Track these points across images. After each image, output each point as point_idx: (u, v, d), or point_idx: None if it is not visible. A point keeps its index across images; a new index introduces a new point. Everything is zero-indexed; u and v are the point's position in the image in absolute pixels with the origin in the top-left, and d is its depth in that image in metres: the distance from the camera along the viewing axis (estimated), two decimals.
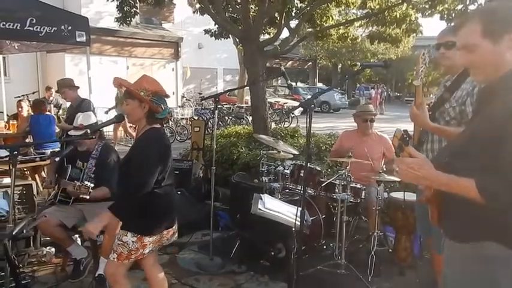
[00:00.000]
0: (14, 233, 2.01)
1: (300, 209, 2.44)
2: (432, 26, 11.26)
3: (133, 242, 2.42)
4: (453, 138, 2.39)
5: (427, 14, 7.06)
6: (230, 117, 14.06)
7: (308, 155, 3.01)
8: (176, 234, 2.68)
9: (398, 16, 7.15)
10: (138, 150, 2.43)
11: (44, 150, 5.71)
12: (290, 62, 28.09)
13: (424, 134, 2.54)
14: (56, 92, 6.51)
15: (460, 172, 1.46)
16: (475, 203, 1.41)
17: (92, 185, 3.15)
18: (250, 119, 13.69)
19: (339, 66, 31.61)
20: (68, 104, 5.74)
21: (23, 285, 2.41)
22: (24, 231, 2.71)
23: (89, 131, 2.36)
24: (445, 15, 6.58)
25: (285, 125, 13.92)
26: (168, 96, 2.50)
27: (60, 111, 8.63)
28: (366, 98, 25.55)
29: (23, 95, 8.70)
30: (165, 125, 6.71)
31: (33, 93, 10.07)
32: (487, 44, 1.49)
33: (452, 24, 2.60)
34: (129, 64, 14.68)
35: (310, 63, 30.64)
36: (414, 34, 8.15)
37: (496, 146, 1.39)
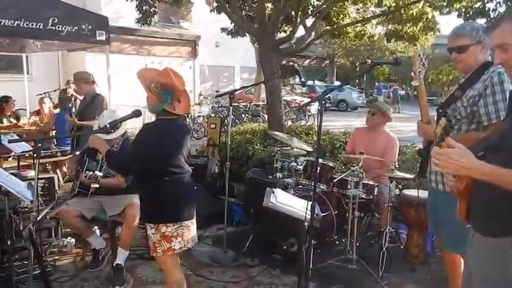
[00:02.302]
0: (37, 219, 2.13)
1: (310, 203, 2.51)
2: (452, 24, 11.07)
3: (153, 233, 2.48)
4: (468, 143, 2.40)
5: (444, 12, 7.00)
6: (247, 115, 14.16)
7: (319, 151, 3.06)
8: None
9: (414, 14, 7.10)
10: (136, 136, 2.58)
11: (65, 147, 5.90)
12: (307, 61, 28.01)
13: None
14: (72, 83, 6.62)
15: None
16: (507, 197, 1.43)
17: (101, 174, 3.33)
18: (266, 117, 13.77)
19: (357, 65, 31.37)
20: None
21: (45, 269, 2.51)
22: (48, 217, 2.84)
23: (108, 126, 2.45)
24: (463, 13, 6.51)
25: (301, 123, 13.97)
26: (176, 88, 2.43)
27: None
28: (384, 97, 25.31)
29: (44, 93, 8.94)
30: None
31: (55, 90, 10.33)
32: None
33: (460, 25, 2.60)
34: (148, 62, 14.89)
35: (328, 61, 30.46)
36: (432, 32, 8.07)
37: None
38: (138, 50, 15.03)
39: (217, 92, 18.02)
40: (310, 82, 24.35)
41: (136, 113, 2.61)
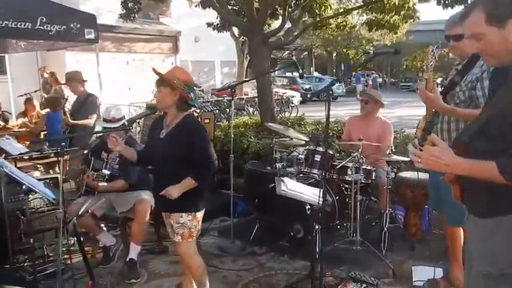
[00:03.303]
0: (79, 213, 2.19)
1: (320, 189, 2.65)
2: (427, 11, 11.27)
3: (189, 220, 2.65)
4: (466, 119, 2.54)
5: None
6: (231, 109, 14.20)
7: (325, 140, 3.21)
8: None
9: (397, 3, 7.28)
10: (195, 135, 2.61)
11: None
12: (286, 52, 28.16)
13: (435, 116, 2.68)
14: (63, 84, 6.55)
15: (480, 154, 1.51)
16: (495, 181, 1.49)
17: (108, 172, 3.35)
18: (251, 110, 13.88)
19: (334, 55, 31.73)
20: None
21: (87, 260, 2.59)
22: (89, 211, 2.88)
23: (126, 123, 2.51)
24: (442, 0, 6.67)
25: (285, 115, 14.13)
26: (197, 86, 2.73)
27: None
28: (362, 85, 25.71)
29: (25, 94, 8.78)
30: None
31: (35, 91, 10.13)
32: (493, 30, 1.52)
33: (457, 13, 2.73)
34: (129, 60, 14.76)
35: (306, 52, 30.72)
36: (412, 20, 8.29)
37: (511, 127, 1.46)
38: (118, 47, 14.86)
39: (199, 87, 17.99)
40: (289, 74, 24.52)
41: (152, 109, 2.68)
